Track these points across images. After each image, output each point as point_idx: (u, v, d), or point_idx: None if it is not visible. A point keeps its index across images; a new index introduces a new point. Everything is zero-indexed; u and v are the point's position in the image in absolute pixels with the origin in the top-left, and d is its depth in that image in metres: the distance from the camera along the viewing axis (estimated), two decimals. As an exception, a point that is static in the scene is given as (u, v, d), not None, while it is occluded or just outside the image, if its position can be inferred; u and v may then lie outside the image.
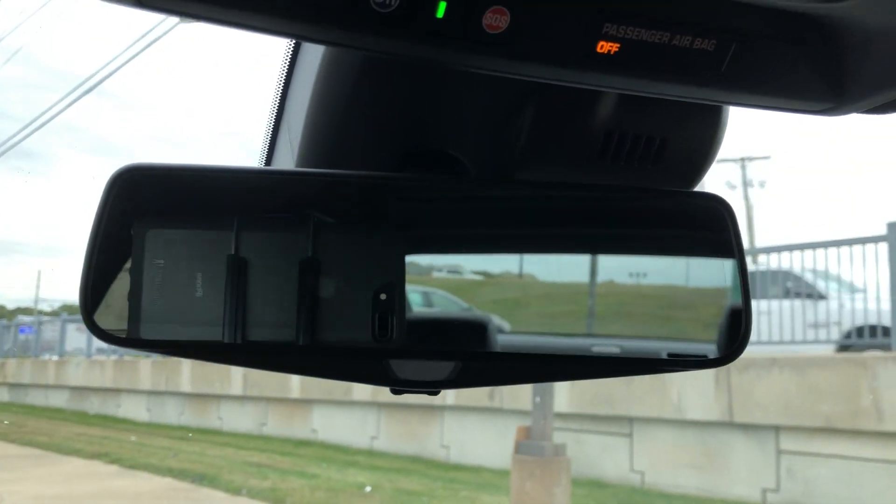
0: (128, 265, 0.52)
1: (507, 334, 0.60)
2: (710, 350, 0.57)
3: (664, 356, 0.60)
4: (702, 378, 8.36)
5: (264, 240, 0.54)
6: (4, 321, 29.90)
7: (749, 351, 0.59)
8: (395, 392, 0.56)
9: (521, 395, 9.38)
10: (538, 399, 6.98)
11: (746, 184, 30.54)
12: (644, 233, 0.64)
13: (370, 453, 11.36)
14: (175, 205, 0.54)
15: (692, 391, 8.44)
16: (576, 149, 0.65)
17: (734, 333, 0.56)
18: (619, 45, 0.48)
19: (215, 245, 0.53)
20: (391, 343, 0.55)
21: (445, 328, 0.59)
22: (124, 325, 0.52)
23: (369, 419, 11.96)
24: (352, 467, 10.02)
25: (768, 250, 9.63)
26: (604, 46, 0.48)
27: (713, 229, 0.59)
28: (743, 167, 30.69)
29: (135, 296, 0.51)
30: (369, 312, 0.55)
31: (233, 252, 0.52)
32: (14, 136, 13.89)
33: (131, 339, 0.52)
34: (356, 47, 0.47)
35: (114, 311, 0.52)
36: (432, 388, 0.55)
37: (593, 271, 0.61)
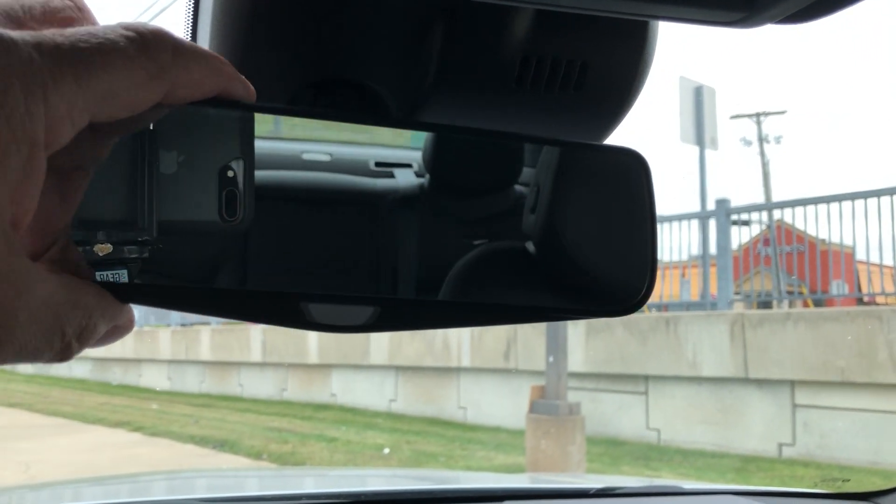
0: None
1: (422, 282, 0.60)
2: (615, 299, 0.57)
3: (570, 305, 0.59)
4: (717, 335, 8.38)
5: None
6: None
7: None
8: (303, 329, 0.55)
9: (535, 356, 9.44)
10: (552, 359, 7.02)
11: (762, 139, 30.22)
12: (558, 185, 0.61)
13: (388, 416, 11.49)
14: None
15: (707, 348, 8.46)
16: (491, 75, 0.62)
17: (639, 286, 0.56)
18: None
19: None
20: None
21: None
22: None
23: (387, 382, 12.09)
24: (370, 430, 10.14)
25: (782, 205, 9.57)
26: None
27: (627, 184, 0.57)
28: (758, 122, 30.34)
29: None
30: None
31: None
32: None
33: None
34: None
35: None
36: (348, 332, 0.54)
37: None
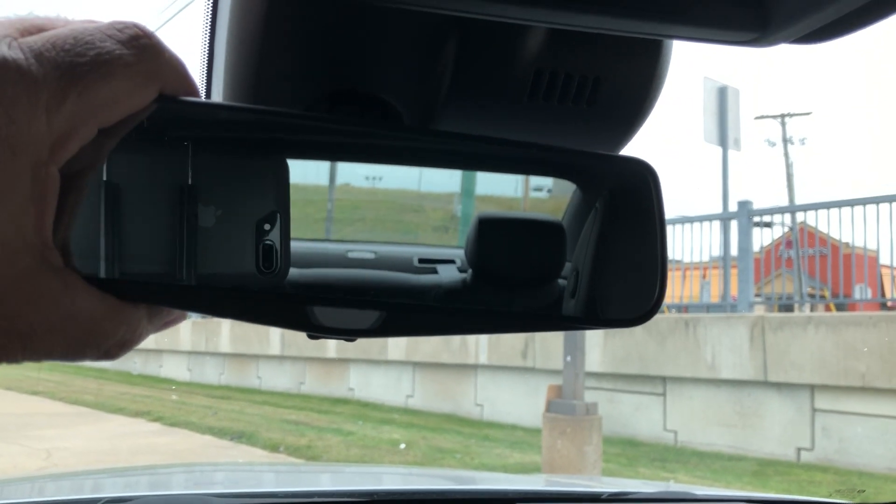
0: None
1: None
2: (625, 310, 0.57)
3: (580, 314, 0.59)
4: (736, 337, 8.32)
5: (139, 164, 0.49)
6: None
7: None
8: (311, 337, 0.54)
9: (553, 355, 9.42)
10: (569, 358, 7.01)
11: (786, 141, 29.94)
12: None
13: (405, 411, 11.52)
14: None
15: (726, 350, 8.41)
16: (504, 89, 0.62)
17: (648, 296, 0.55)
18: None
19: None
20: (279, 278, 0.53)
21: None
22: None
23: (404, 378, 12.12)
24: (387, 425, 10.17)
25: (805, 208, 9.48)
26: None
27: (637, 194, 0.57)
28: (783, 124, 30.07)
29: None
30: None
31: (105, 178, 0.48)
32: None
33: None
34: None
35: None
36: (354, 336, 0.53)
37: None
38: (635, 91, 0.64)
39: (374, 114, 0.61)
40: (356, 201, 0.63)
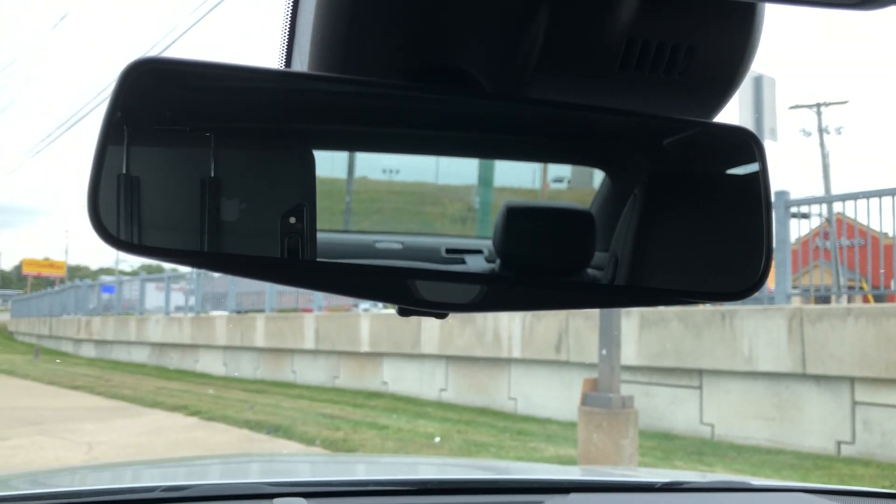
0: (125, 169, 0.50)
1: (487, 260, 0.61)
2: (729, 283, 0.55)
3: (684, 288, 0.58)
4: (774, 329, 8.20)
5: (241, 158, 0.51)
6: (89, 281, 31.16)
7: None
8: (402, 313, 0.55)
9: (587, 348, 9.37)
10: (604, 351, 6.95)
11: (822, 130, 29.40)
12: (664, 162, 0.61)
13: (439, 405, 11.53)
14: (180, 108, 0.51)
15: (764, 343, 8.30)
16: (595, 59, 0.61)
17: (754, 268, 0.54)
18: None
19: (193, 163, 0.50)
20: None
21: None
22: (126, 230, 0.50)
23: (438, 371, 12.13)
24: (421, 419, 10.19)
25: (843, 198, 9.31)
26: None
27: (740, 163, 0.56)
28: (818, 113, 29.52)
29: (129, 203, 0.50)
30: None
31: (212, 174, 0.50)
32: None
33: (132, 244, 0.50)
34: None
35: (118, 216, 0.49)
36: (450, 310, 0.53)
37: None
38: (729, 59, 0.62)
39: (460, 86, 0.60)
40: (373, 192, 0.63)
